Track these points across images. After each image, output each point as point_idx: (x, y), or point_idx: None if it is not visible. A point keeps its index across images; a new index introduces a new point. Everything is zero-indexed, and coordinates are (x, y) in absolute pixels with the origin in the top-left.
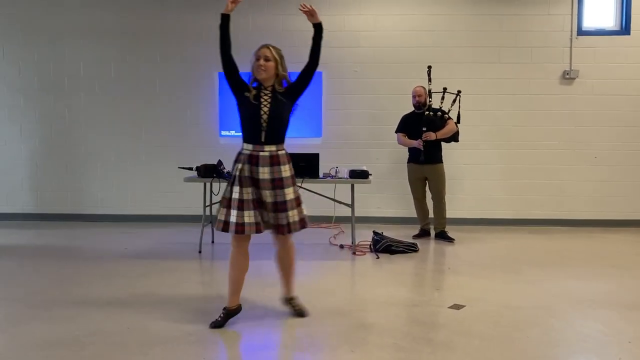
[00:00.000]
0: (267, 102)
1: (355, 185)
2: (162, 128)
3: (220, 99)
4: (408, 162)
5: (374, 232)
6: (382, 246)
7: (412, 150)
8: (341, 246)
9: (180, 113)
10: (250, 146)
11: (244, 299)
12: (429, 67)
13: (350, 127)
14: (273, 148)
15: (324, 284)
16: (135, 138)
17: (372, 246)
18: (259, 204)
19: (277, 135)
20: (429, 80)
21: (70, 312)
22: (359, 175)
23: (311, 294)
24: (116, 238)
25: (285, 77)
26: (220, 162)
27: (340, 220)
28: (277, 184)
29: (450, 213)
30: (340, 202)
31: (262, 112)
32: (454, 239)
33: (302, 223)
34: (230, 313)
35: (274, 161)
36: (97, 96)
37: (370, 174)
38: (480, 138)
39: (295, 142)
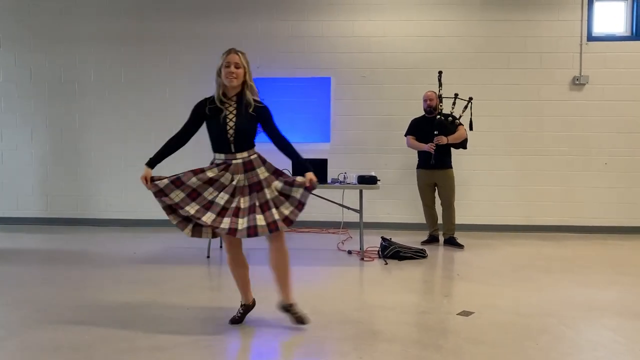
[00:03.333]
0: (233, 115)
1: (364, 191)
2: (171, 133)
3: None
4: (417, 168)
5: (382, 237)
6: (391, 252)
7: (421, 156)
8: (349, 252)
9: None
10: (222, 156)
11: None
12: (440, 72)
13: (359, 132)
14: (245, 155)
15: (332, 290)
16: (144, 143)
17: (380, 252)
18: (230, 209)
19: (245, 143)
20: (440, 85)
21: (79, 317)
22: (368, 180)
23: (319, 300)
24: (125, 243)
25: (253, 86)
26: None
27: (349, 225)
28: (256, 187)
29: (459, 219)
30: (348, 208)
31: (228, 127)
32: (463, 246)
33: (287, 221)
34: (247, 308)
35: (247, 167)
36: (107, 101)
37: (379, 180)
38: (489, 144)
39: (304, 147)
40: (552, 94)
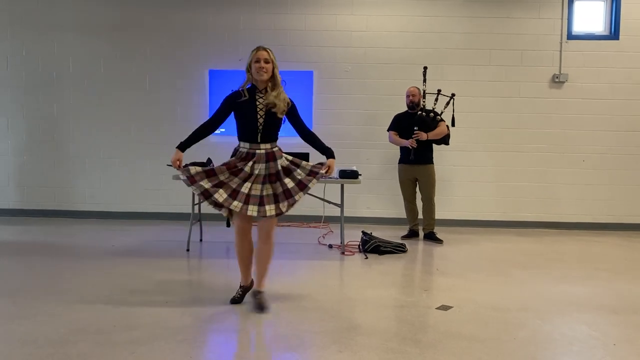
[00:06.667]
0: (263, 105)
1: (345, 185)
2: (151, 125)
3: (210, 96)
4: (399, 163)
5: (362, 232)
6: (371, 246)
7: (403, 151)
8: (330, 246)
9: (170, 110)
10: (247, 144)
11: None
12: (425, 68)
13: (340, 127)
14: (268, 146)
15: (312, 284)
16: (123, 135)
17: (360, 246)
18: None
19: (271, 135)
20: (424, 81)
21: (56, 310)
22: (349, 175)
23: (299, 294)
24: (103, 235)
25: (279, 80)
26: (209, 160)
27: (330, 220)
28: (272, 178)
29: (439, 214)
30: (329, 202)
31: (259, 116)
32: (442, 241)
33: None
34: (246, 290)
35: (269, 158)
36: (85, 92)
37: (360, 174)
38: (470, 140)
39: (285, 141)
40: (532, 91)
